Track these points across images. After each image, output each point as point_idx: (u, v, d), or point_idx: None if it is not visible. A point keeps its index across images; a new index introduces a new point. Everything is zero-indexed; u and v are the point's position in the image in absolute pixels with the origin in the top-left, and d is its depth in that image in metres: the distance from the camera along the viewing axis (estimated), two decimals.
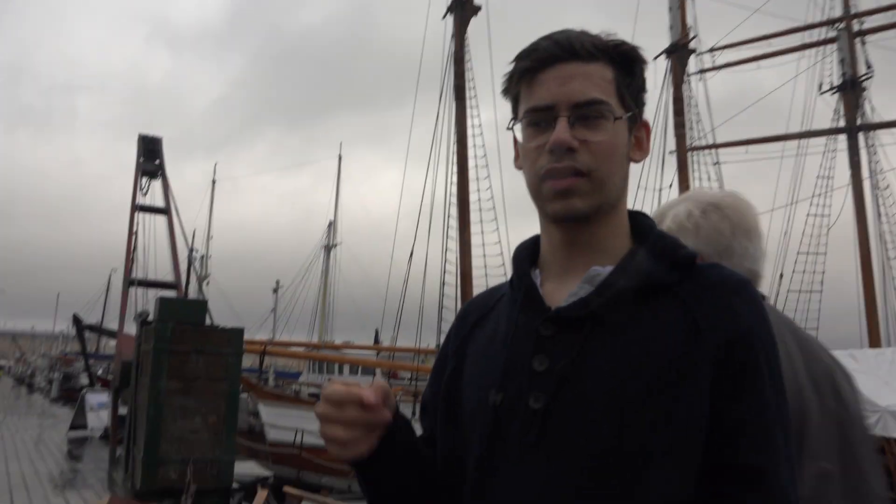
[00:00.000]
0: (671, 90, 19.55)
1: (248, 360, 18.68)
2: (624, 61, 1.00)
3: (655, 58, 19.76)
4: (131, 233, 15.39)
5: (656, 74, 20.05)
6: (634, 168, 1.05)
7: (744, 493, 0.87)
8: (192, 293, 18.85)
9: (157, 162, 16.32)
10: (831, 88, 20.78)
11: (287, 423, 14.63)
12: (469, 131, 16.85)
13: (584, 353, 0.93)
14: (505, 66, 1.04)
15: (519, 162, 1.05)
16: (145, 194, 16.21)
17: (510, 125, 1.05)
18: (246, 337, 11.09)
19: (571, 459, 0.89)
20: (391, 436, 0.96)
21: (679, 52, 19.49)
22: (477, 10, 17.09)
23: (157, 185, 16.39)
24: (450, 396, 1.06)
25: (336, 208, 43.48)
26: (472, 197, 16.65)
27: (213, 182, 39.96)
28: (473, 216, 16.57)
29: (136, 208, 15.79)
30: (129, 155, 16.75)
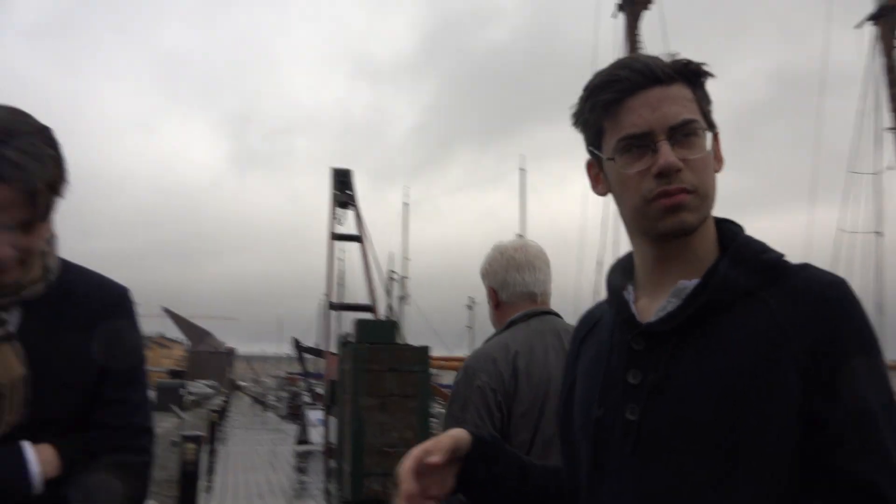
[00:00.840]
0: (881, 60, 17.29)
1: (448, 377, 19.37)
2: (696, 78, 1.04)
3: (858, 25, 17.70)
4: (331, 261, 16.71)
5: (860, 44, 17.89)
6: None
7: (843, 499, 0.87)
8: (394, 314, 19.94)
9: (349, 192, 17.60)
10: None
11: None
12: None
13: (673, 365, 0.97)
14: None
15: (602, 188, 1.11)
16: (341, 224, 17.56)
17: (597, 154, 1.08)
18: (444, 353, 11.48)
19: (665, 466, 0.94)
20: (471, 470, 1.08)
21: (887, 15, 17.21)
22: (647, 3, 16.46)
23: (351, 214, 17.66)
24: (565, 412, 1.16)
25: (522, 221, 43.84)
26: None
27: (405, 205, 42.17)
28: None
29: (333, 237, 17.12)
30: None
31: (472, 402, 1.90)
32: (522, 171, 43.26)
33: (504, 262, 2.11)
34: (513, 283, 2.08)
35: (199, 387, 48.79)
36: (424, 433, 9.93)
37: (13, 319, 1.30)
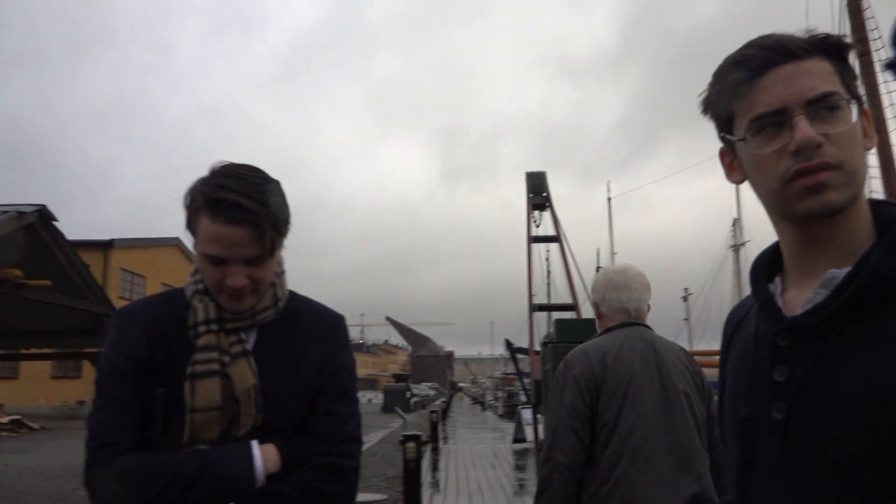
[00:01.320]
0: None
1: None
2: (836, 51, 0.97)
3: None
4: (530, 262, 16.97)
5: None
6: None
7: None
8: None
9: (544, 194, 17.75)
10: None
11: None
12: (882, 89, 14.26)
13: (821, 362, 0.91)
14: None
15: (737, 176, 1.04)
16: (538, 226, 17.75)
17: (729, 138, 1.02)
18: None
19: (815, 467, 0.89)
20: None
21: None
22: None
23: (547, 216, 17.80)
24: (721, 410, 1.13)
25: (738, 204, 40.87)
26: None
27: (609, 200, 41.35)
28: None
29: (532, 240, 17.36)
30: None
31: (568, 387, 2.39)
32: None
33: (605, 282, 2.63)
34: (610, 299, 2.60)
35: (422, 389, 51.49)
36: None
37: (251, 339, 1.55)
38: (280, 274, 1.61)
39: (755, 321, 1.04)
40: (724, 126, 1.02)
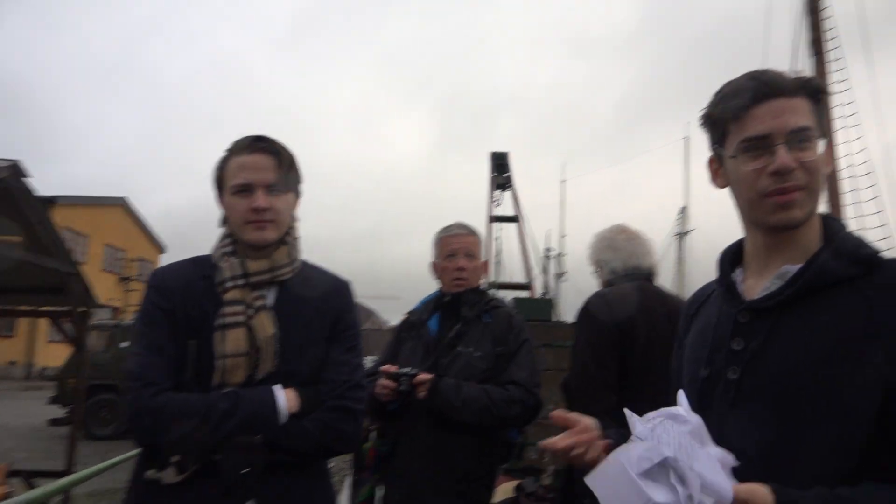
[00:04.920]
0: None
1: None
2: (816, 93, 1.20)
3: None
4: (489, 242, 17.18)
5: None
6: None
7: None
8: (550, 291, 20.11)
9: (507, 175, 17.91)
10: None
11: None
12: (834, 88, 14.83)
13: (772, 335, 1.15)
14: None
15: (720, 182, 1.28)
16: (499, 206, 17.94)
17: (721, 152, 1.24)
18: None
19: (759, 416, 1.11)
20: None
21: None
22: None
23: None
24: (678, 371, 1.37)
25: (686, 193, 41.96)
26: (843, 162, 14.65)
27: (562, 182, 41.76)
28: (846, 184, 14.59)
29: (491, 219, 17.57)
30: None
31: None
32: (686, 139, 41.33)
33: (607, 243, 2.73)
34: (608, 259, 2.69)
35: (365, 362, 51.21)
36: None
37: (270, 296, 1.75)
38: (295, 237, 1.83)
39: (718, 302, 1.29)
40: (719, 139, 1.25)
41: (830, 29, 15.21)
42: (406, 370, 2.45)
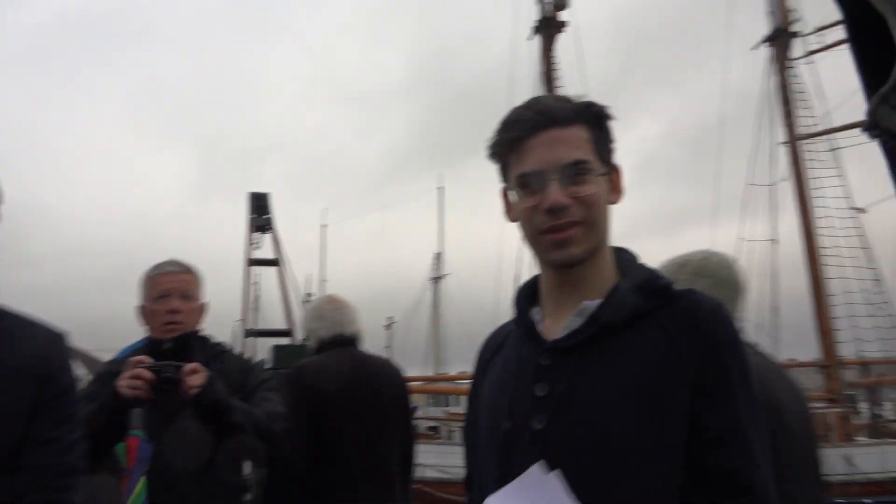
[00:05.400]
0: (775, 78, 18.54)
1: None
2: (596, 120, 1.14)
3: (755, 47, 18.93)
4: (247, 286, 16.30)
5: (755, 64, 19.16)
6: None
7: (724, 497, 0.99)
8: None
9: (267, 216, 17.25)
10: None
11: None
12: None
13: (578, 378, 1.07)
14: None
15: (511, 215, 1.20)
16: (257, 248, 17.15)
17: (505, 186, 1.20)
18: None
19: (571, 467, 1.01)
20: None
21: (781, 37, 18.48)
22: (563, 26, 17.03)
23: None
24: (472, 424, 1.25)
25: (441, 239, 44.14)
26: None
27: (323, 227, 41.55)
28: None
29: (250, 263, 16.72)
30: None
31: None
32: (440, 189, 43.65)
33: (316, 313, 2.92)
34: (317, 328, 2.86)
35: None
36: None
37: None
38: None
39: (517, 345, 1.19)
40: (501, 172, 1.20)
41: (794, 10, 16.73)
42: (168, 362, 2.08)
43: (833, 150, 18.80)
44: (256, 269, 17.44)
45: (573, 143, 1.11)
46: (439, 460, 13.52)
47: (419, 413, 28.31)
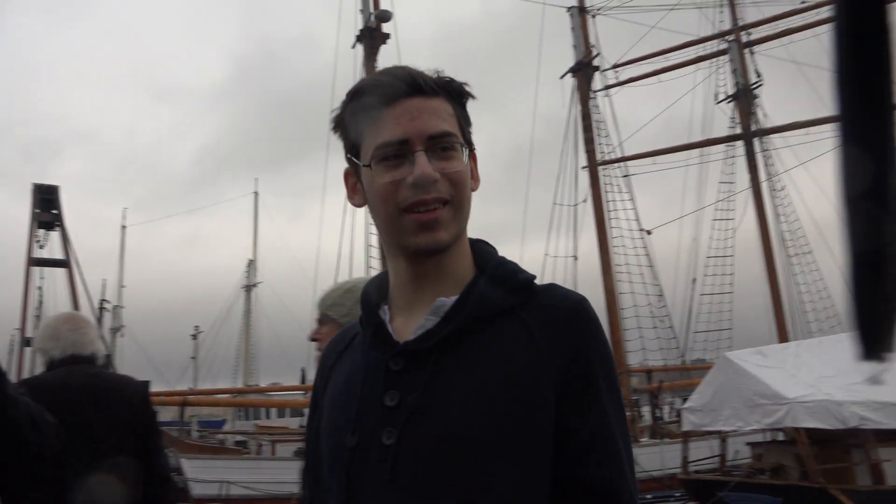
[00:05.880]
0: (579, 107, 20.11)
1: (170, 413, 17.86)
2: (458, 97, 1.04)
3: (562, 76, 20.41)
4: (28, 289, 14.49)
5: (564, 93, 20.65)
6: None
7: (588, 501, 0.92)
8: (106, 347, 17.85)
9: (55, 212, 15.47)
10: (726, 98, 21.92)
11: (212, 477, 13.96)
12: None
13: (433, 384, 0.94)
14: None
15: (358, 199, 1.07)
16: (42, 247, 15.32)
17: (355, 161, 1.04)
18: (165, 388, 10.53)
19: (427, 488, 0.90)
20: None
21: (584, 69, 20.09)
22: (386, 37, 17.14)
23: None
24: (314, 440, 1.08)
25: (255, 246, 42.54)
26: None
27: (123, 228, 38.21)
28: None
29: (32, 262, 14.88)
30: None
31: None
32: (256, 194, 42.08)
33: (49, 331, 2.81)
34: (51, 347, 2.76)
35: None
36: None
37: None
38: None
39: (364, 349, 1.04)
40: (352, 147, 1.05)
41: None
42: None
43: (626, 176, 20.87)
44: (41, 271, 15.57)
45: (439, 114, 1.00)
46: (247, 476, 12.93)
47: (226, 427, 26.95)
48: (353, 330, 1.12)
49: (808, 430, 8.27)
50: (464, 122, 1.04)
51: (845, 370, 8.24)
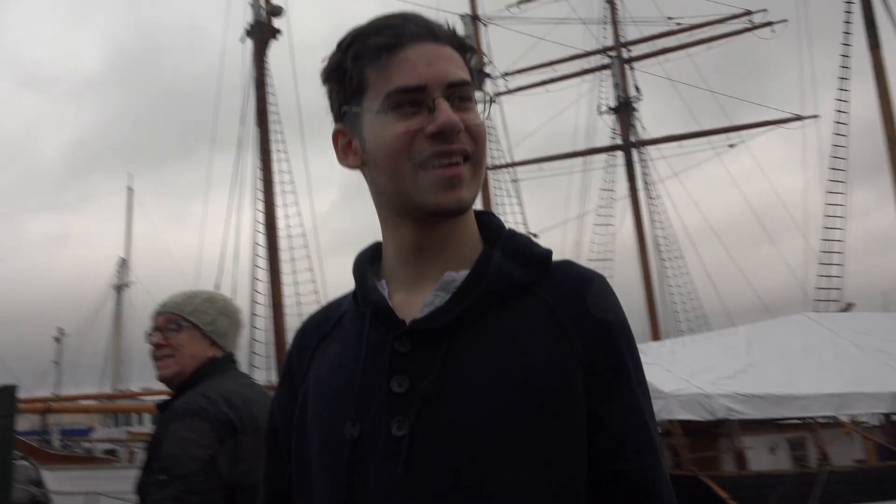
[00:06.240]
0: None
1: (29, 422, 16.54)
2: (464, 49, 0.94)
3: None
4: None
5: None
6: None
7: (633, 500, 0.85)
8: None
9: None
10: (608, 110, 23.04)
11: (78, 488, 13.01)
12: (274, 157, 16.41)
13: (448, 369, 0.84)
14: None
15: (354, 160, 0.94)
16: None
17: (356, 110, 0.91)
18: (24, 395, 9.71)
19: (446, 484, 0.81)
20: None
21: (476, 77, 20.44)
22: (277, 32, 16.66)
23: None
24: (300, 431, 0.94)
25: (128, 244, 40.13)
26: (281, 224, 16.22)
27: None
28: (282, 244, 16.13)
29: None
30: None
31: None
32: (130, 190, 39.70)
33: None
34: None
35: None
36: (4, 492, 8.21)
37: None
38: None
39: (358, 329, 0.93)
40: (353, 97, 0.92)
41: (273, 105, 16.84)
42: None
43: (514, 181, 21.47)
44: None
45: (457, 62, 0.90)
46: (119, 486, 12.11)
47: (95, 434, 25.20)
48: (341, 307, 1.00)
49: (682, 422, 8.78)
50: (474, 77, 0.94)
51: (714, 366, 8.87)
